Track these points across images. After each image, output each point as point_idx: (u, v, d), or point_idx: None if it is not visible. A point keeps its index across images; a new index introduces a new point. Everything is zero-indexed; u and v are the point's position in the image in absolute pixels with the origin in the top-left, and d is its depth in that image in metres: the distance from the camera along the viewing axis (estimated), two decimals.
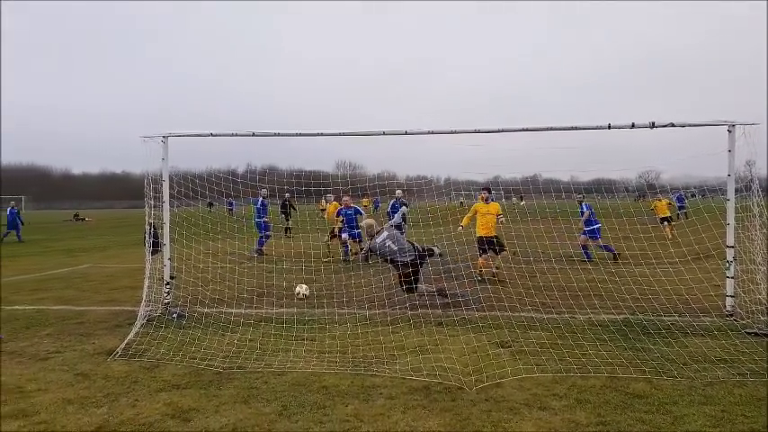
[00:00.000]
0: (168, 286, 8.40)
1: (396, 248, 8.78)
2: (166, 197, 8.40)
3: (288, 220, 21.24)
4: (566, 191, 11.65)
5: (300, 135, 8.64)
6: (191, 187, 9.13)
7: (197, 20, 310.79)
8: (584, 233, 13.89)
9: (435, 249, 9.58)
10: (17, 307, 9.10)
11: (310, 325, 7.45)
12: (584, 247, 13.88)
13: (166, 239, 8.48)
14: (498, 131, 7.77)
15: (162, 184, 8.39)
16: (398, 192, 15.59)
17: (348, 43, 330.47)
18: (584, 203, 13.99)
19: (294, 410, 4.62)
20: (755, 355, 5.76)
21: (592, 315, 7.68)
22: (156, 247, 8.89)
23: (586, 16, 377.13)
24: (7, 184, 75.06)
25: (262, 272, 11.10)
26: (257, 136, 8.37)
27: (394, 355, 6.09)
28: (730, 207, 7.35)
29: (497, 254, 11.19)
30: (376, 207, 33.34)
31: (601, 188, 10.14)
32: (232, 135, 8.41)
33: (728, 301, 7.42)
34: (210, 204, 14.24)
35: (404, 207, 13.97)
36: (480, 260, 11.05)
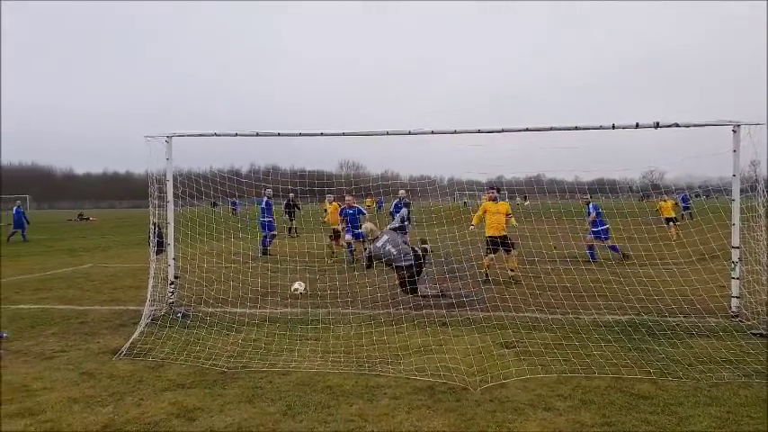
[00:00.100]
0: (173, 286, 8.41)
1: (395, 252, 8.90)
2: (171, 197, 8.41)
3: (292, 220, 21.25)
4: (570, 191, 11.62)
5: (303, 135, 8.64)
6: (194, 187, 9.15)
7: (197, 20, 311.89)
8: (592, 233, 13.87)
9: (427, 247, 9.66)
10: (22, 306, 9.13)
11: (315, 325, 7.45)
12: (590, 247, 13.85)
13: (171, 239, 8.50)
14: (500, 131, 7.75)
15: (166, 184, 8.41)
16: (401, 192, 15.57)
17: (348, 43, 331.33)
18: (590, 204, 13.96)
19: (299, 410, 4.62)
20: (761, 357, 5.74)
21: (597, 316, 7.66)
22: (161, 246, 8.90)
23: (586, 16, 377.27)
24: (10, 184, 75.25)
25: (266, 272, 11.11)
26: (261, 136, 8.37)
27: (398, 355, 6.08)
28: (735, 207, 7.33)
29: (508, 253, 11.11)
30: (379, 207, 33.31)
31: (605, 188, 10.14)
32: (235, 135, 8.41)
33: (734, 302, 7.40)
34: (214, 204, 14.25)
35: (404, 209, 13.97)
36: (485, 260, 10.99)
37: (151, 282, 7.82)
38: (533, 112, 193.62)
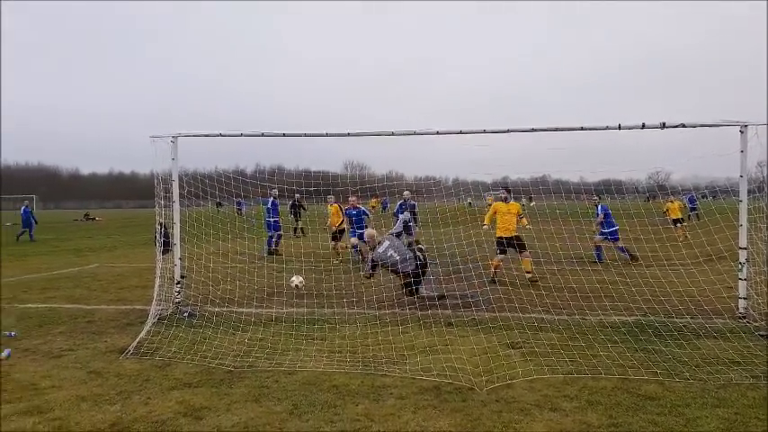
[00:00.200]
0: (179, 285, 8.45)
1: (398, 258, 8.94)
2: (176, 197, 8.45)
3: (297, 220, 21.27)
4: (576, 191, 11.58)
5: (308, 135, 8.65)
6: (200, 187, 9.18)
7: (197, 20, 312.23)
8: (602, 234, 13.82)
9: (422, 247, 9.67)
10: (29, 305, 9.18)
11: (320, 324, 7.47)
12: (598, 248, 13.81)
13: (177, 239, 8.53)
14: (506, 132, 7.74)
15: (172, 184, 8.45)
16: (406, 193, 15.56)
17: (348, 43, 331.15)
18: (599, 205, 13.91)
19: (305, 409, 4.63)
20: None
21: (603, 316, 7.64)
22: (167, 246, 8.95)
23: (586, 16, 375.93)
24: (17, 184, 75.69)
25: (272, 271, 11.13)
26: (266, 136, 8.39)
27: (404, 355, 6.09)
28: (743, 208, 7.29)
29: (520, 254, 11.01)
30: (384, 207, 33.30)
31: (611, 189, 10.10)
32: (241, 135, 8.43)
33: (741, 302, 7.36)
34: (219, 204, 14.28)
35: (406, 213, 13.94)
36: (495, 260, 10.91)
37: (158, 281, 7.86)
38: (533, 112, 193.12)
